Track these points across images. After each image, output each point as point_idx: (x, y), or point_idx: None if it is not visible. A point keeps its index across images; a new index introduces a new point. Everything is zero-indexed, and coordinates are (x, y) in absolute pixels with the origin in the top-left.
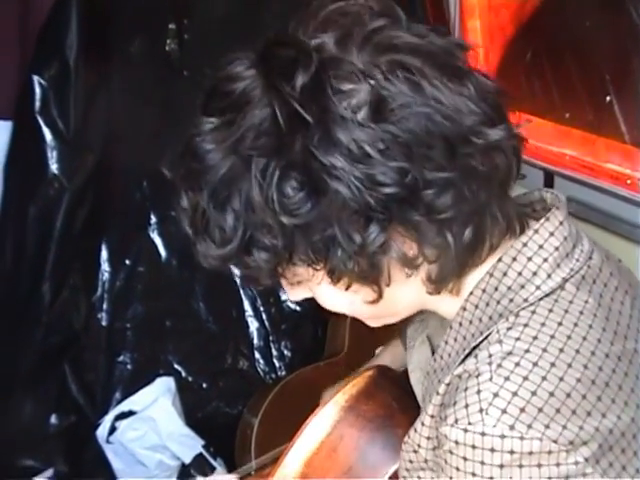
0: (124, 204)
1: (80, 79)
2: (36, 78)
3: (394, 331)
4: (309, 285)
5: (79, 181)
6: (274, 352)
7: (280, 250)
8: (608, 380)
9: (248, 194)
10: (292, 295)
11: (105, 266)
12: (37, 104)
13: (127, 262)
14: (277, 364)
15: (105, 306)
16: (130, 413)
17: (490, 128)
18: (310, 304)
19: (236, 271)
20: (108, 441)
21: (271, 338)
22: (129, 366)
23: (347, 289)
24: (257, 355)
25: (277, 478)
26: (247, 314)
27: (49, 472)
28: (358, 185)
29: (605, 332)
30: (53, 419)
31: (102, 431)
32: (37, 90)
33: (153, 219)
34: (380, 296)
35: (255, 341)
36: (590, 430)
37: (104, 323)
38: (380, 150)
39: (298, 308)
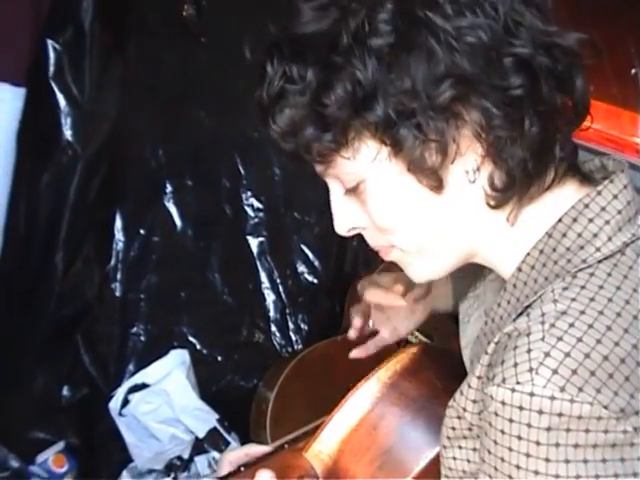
0: (139, 173)
1: (95, 44)
2: (50, 43)
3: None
4: (364, 184)
5: (93, 148)
6: (290, 325)
7: (359, 97)
8: None
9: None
10: (339, 213)
11: (119, 236)
12: (51, 69)
13: (142, 232)
14: (293, 337)
15: (119, 276)
16: (143, 386)
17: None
18: (328, 277)
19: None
20: (121, 414)
21: (288, 311)
22: (143, 338)
23: (408, 171)
24: (273, 328)
25: (311, 454)
26: (264, 286)
27: (60, 445)
28: (450, 41)
29: None
30: (65, 391)
31: (115, 404)
32: (51, 55)
33: (169, 188)
34: (440, 185)
35: (271, 314)
36: None
37: (118, 294)
38: (473, 10)
39: (316, 281)
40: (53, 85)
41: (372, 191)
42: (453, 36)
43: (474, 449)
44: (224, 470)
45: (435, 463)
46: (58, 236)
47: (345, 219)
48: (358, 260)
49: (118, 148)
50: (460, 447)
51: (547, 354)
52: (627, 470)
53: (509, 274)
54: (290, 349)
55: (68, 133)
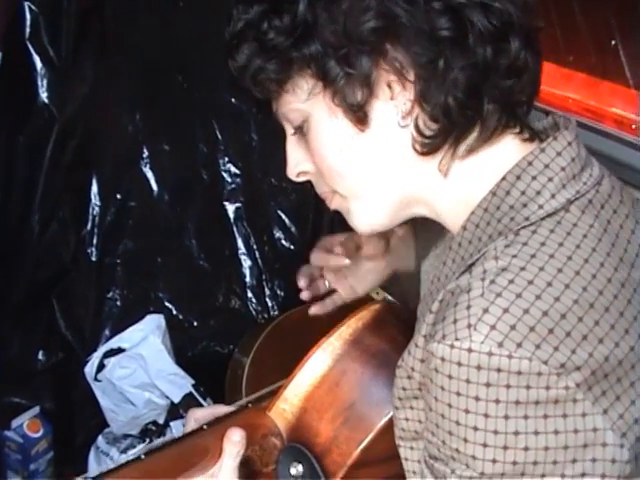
0: (116, 137)
1: (73, 6)
2: (27, 4)
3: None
4: (307, 123)
5: (70, 111)
6: (267, 291)
7: (298, 30)
8: (608, 305)
9: None
10: (288, 156)
11: (95, 200)
12: (27, 30)
13: (118, 196)
14: (270, 303)
15: (95, 241)
16: (119, 350)
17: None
18: (305, 243)
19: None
20: (96, 379)
21: (264, 277)
22: (119, 302)
23: (335, 105)
24: (249, 294)
25: (275, 412)
26: (240, 252)
27: (35, 409)
28: None
29: (609, 257)
30: (40, 355)
31: (90, 368)
32: (28, 16)
33: (145, 153)
34: (365, 122)
35: (248, 280)
36: (584, 355)
37: (94, 258)
38: None
39: (292, 247)
40: (29, 47)
41: (311, 129)
42: None
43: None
44: (189, 428)
45: None
46: (34, 198)
47: (293, 162)
48: (334, 226)
49: (95, 111)
50: (412, 407)
51: (485, 310)
52: (568, 427)
53: (441, 215)
54: (266, 315)
55: (44, 95)
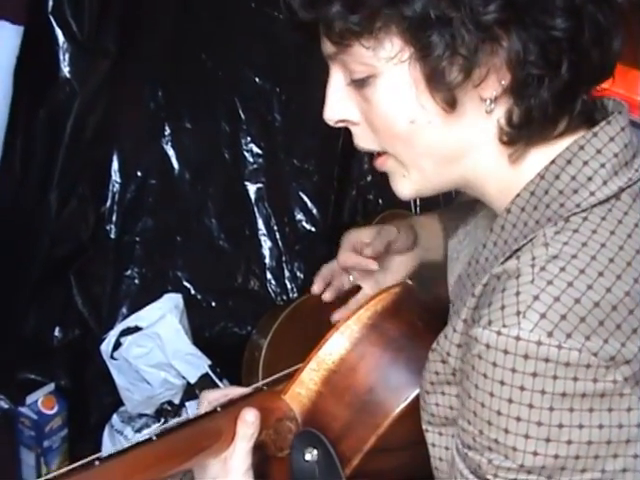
0: (138, 113)
1: None
2: None
3: None
4: (375, 80)
5: (91, 86)
6: (286, 273)
7: None
8: None
9: None
10: (334, 101)
11: (115, 177)
12: (50, 3)
13: (138, 174)
14: (289, 285)
15: (114, 218)
16: (136, 329)
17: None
18: (326, 225)
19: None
20: (112, 357)
21: (284, 259)
22: (137, 281)
23: (425, 80)
24: (269, 275)
25: (290, 396)
26: (260, 233)
27: (50, 386)
28: None
29: None
30: (57, 332)
31: (106, 346)
32: None
33: (167, 130)
34: (453, 106)
35: (267, 261)
36: (634, 349)
37: (112, 236)
38: None
39: (313, 229)
40: (52, 20)
41: (381, 90)
42: None
43: (457, 396)
44: (202, 410)
45: (416, 404)
46: (53, 174)
47: (338, 108)
48: (357, 209)
49: (116, 87)
50: (443, 393)
51: (536, 297)
52: (613, 421)
53: (500, 200)
54: (285, 297)
55: (66, 70)
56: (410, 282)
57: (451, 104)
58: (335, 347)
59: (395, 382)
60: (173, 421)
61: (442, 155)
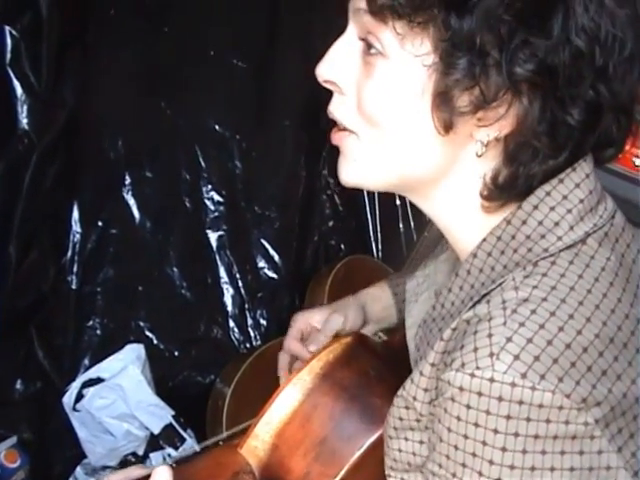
0: (97, 163)
1: (54, 31)
2: (7, 28)
3: None
4: (384, 62)
5: (50, 138)
6: (249, 321)
7: None
8: (626, 341)
9: None
10: (333, 58)
11: (76, 227)
12: (8, 56)
13: (99, 223)
14: (252, 333)
15: (75, 269)
16: (98, 380)
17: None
18: (288, 272)
19: None
20: (75, 409)
21: (247, 306)
22: (98, 331)
23: (432, 95)
24: (232, 323)
25: (246, 449)
26: (222, 281)
27: (12, 440)
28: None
29: (625, 293)
30: (18, 385)
31: (69, 398)
32: (8, 41)
33: (128, 180)
34: (445, 132)
35: (230, 309)
36: (604, 391)
37: (73, 286)
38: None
39: (275, 276)
40: (10, 72)
41: (388, 75)
42: (585, 28)
43: (420, 442)
44: None
45: (371, 452)
46: (12, 226)
47: (336, 67)
48: (319, 255)
49: (76, 138)
50: (406, 439)
51: (509, 339)
52: (584, 464)
53: (464, 253)
54: (248, 345)
55: (24, 122)
56: (362, 333)
57: (446, 128)
58: (288, 399)
59: (349, 431)
60: None
61: (411, 168)
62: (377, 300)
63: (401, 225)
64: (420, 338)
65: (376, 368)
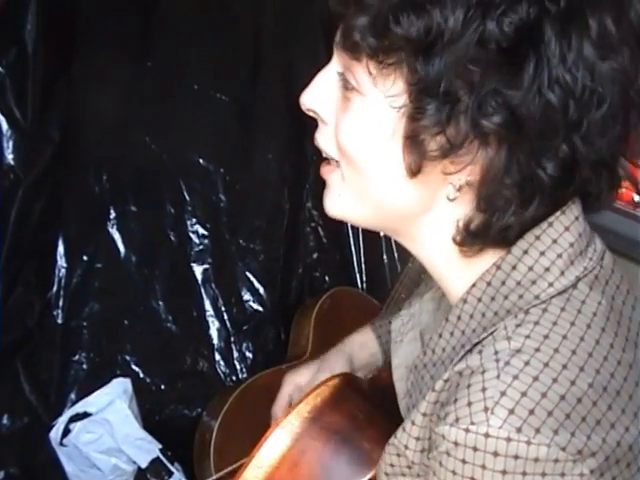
0: (82, 198)
1: (39, 66)
2: None
3: None
4: (359, 99)
5: (36, 173)
6: (235, 353)
7: (429, 39)
8: (619, 389)
9: None
10: (317, 87)
11: (61, 262)
12: None
13: (84, 258)
14: (238, 366)
15: (61, 303)
16: (85, 415)
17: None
18: (273, 304)
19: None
20: (62, 444)
21: (232, 339)
22: (85, 366)
23: (402, 137)
24: (217, 356)
25: None
26: (208, 314)
27: (0, 475)
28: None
29: (617, 337)
30: (5, 420)
31: (55, 433)
32: None
33: (112, 214)
34: (414, 176)
35: (216, 342)
36: (598, 441)
37: (59, 321)
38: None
39: (261, 309)
40: None
41: (362, 112)
42: (560, 81)
43: None
44: None
45: None
46: None
47: (317, 98)
48: (303, 288)
49: (61, 173)
50: None
51: (503, 393)
52: None
53: (452, 296)
54: (235, 378)
55: (10, 157)
56: (349, 372)
57: (415, 171)
58: (276, 443)
59: (338, 476)
60: None
61: (387, 207)
62: (364, 347)
63: (385, 257)
64: (412, 384)
65: (364, 410)
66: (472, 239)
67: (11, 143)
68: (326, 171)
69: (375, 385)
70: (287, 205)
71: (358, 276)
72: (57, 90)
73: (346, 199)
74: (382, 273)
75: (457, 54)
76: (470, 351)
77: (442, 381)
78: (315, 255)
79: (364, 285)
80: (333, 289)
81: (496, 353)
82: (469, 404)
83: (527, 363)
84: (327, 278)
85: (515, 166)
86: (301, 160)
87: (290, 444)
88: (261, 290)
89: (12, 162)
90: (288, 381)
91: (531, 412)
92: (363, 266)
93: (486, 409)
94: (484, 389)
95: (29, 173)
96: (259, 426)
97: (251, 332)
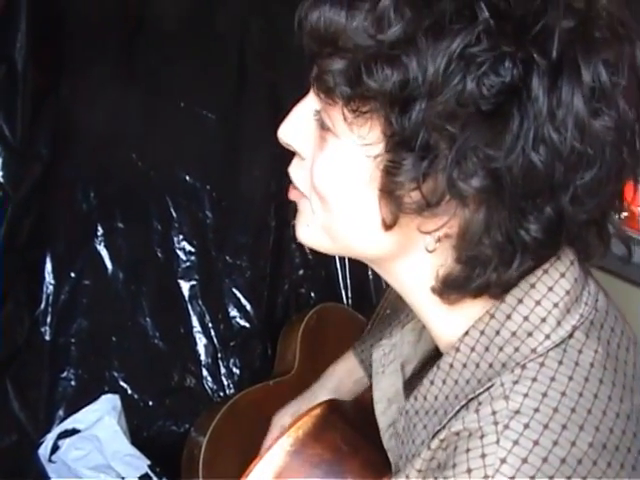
0: (70, 215)
1: (28, 84)
2: None
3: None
4: (334, 140)
5: (25, 190)
6: (222, 370)
7: (404, 93)
8: (618, 443)
9: None
10: (293, 122)
11: (49, 279)
12: None
13: (72, 275)
14: (225, 382)
15: (49, 320)
16: (74, 431)
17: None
18: (260, 320)
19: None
20: (50, 460)
21: (219, 355)
22: (73, 382)
23: (377, 189)
24: (205, 372)
25: None
26: (195, 330)
27: None
28: (539, 132)
29: (615, 387)
30: None
31: (44, 450)
32: None
33: (100, 231)
34: (389, 228)
35: (203, 358)
36: None
37: (47, 338)
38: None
39: (247, 325)
40: None
41: (334, 153)
42: (546, 140)
43: None
44: None
45: None
46: None
47: (293, 133)
48: (290, 304)
49: (49, 190)
50: None
51: (503, 460)
52: None
53: (441, 341)
54: (222, 393)
55: None
56: (335, 398)
57: (391, 223)
58: (259, 477)
59: None
60: None
61: (360, 249)
62: (348, 375)
63: (370, 273)
64: (403, 429)
65: (348, 439)
66: (451, 291)
67: (0, 160)
68: (294, 195)
69: (359, 406)
70: (273, 222)
71: (344, 292)
72: (46, 107)
73: (315, 231)
74: (367, 289)
75: (435, 109)
76: (466, 407)
77: (438, 440)
78: (301, 271)
79: (350, 301)
80: (319, 305)
81: (494, 414)
82: (468, 471)
83: (527, 426)
84: (313, 294)
85: (495, 227)
86: (287, 177)
87: (273, 477)
88: (248, 306)
89: (1, 179)
90: (276, 423)
91: (532, 478)
92: (349, 282)
93: (486, 477)
94: (484, 455)
95: (18, 190)
96: (247, 442)
97: (238, 348)
